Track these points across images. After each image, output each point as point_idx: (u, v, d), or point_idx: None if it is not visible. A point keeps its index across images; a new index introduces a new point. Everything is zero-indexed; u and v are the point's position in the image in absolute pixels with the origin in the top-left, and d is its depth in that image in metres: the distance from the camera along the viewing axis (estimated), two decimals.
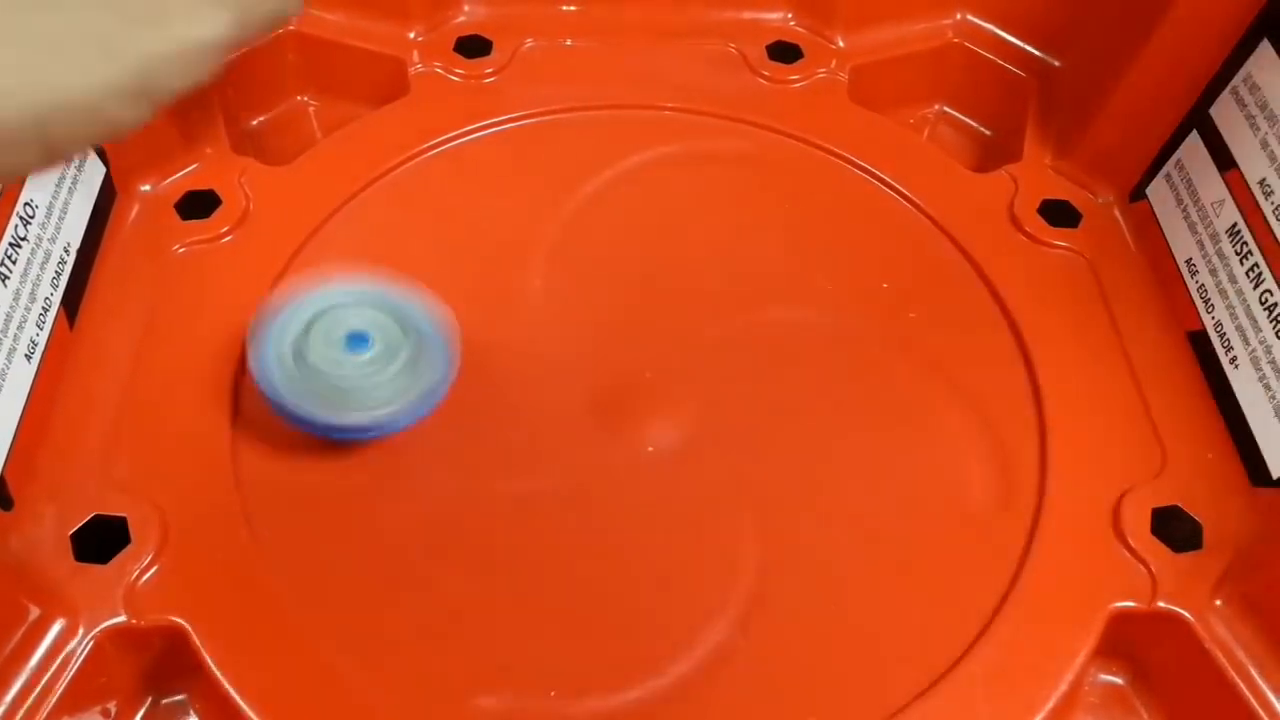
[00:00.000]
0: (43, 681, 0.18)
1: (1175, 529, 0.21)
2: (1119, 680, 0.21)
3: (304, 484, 0.21)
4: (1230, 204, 0.24)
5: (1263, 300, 0.23)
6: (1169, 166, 0.26)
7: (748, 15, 0.32)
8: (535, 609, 0.20)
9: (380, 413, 0.20)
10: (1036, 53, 0.31)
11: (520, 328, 0.25)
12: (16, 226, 0.22)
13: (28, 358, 0.21)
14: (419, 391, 0.21)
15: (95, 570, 0.19)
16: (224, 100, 0.28)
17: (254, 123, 0.30)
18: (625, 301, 0.25)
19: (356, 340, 0.21)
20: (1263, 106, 0.23)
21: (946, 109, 0.32)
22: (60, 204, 0.23)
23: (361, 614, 0.20)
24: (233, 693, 0.18)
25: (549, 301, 0.25)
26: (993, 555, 0.21)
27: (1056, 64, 0.30)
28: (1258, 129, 0.23)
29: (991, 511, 0.22)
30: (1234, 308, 0.23)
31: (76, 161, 0.24)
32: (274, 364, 0.20)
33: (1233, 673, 0.19)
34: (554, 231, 0.26)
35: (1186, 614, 0.20)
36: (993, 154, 0.31)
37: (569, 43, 0.31)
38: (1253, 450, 0.22)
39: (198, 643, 0.19)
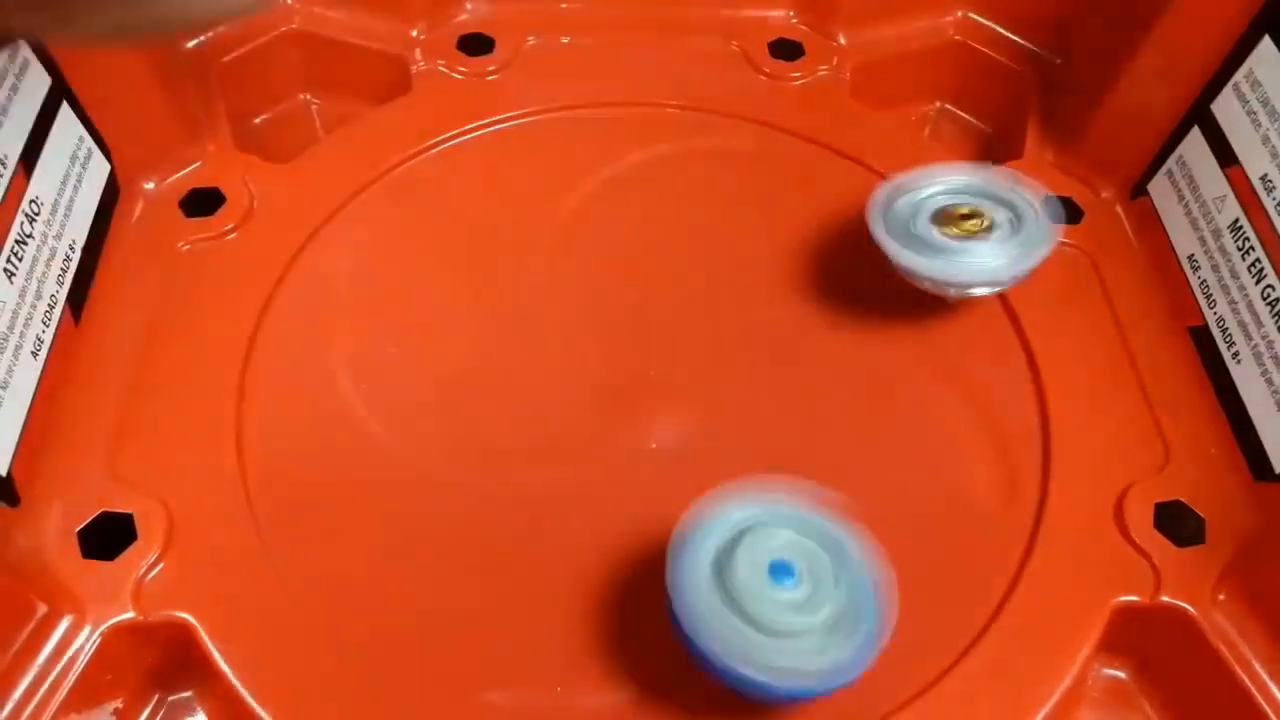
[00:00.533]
0: (50, 678, 0.18)
1: (1178, 524, 0.21)
2: (1122, 675, 0.21)
3: (310, 480, 0.22)
4: (1232, 200, 0.24)
5: (1265, 295, 0.23)
6: (1170, 163, 0.26)
7: (749, 13, 0.32)
8: (542, 605, 0.20)
9: (806, 670, 0.16)
10: (1038, 50, 0.31)
11: (522, 325, 0.25)
12: (22, 224, 0.22)
13: (34, 355, 0.21)
14: (850, 651, 0.16)
15: (102, 567, 0.19)
16: (227, 98, 0.28)
17: (257, 120, 0.30)
18: (629, 299, 0.25)
19: (780, 570, 0.17)
20: (1264, 102, 0.23)
21: (948, 106, 0.32)
22: (65, 201, 0.23)
23: (369, 610, 0.20)
24: (240, 689, 0.19)
25: (551, 299, 0.25)
26: (995, 551, 0.21)
27: (1058, 61, 0.30)
28: (1259, 125, 0.23)
29: (994, 507, 0.22)
30: (1236, 303, 0.23)
31: (80, 159, 0.24)
32: (697, 593, 0.16)
33: (1236, 666, 0.19)
34: (556, 229, 0.27)
35: (1190, 608, 0.20)
36: (994, 151, 0.31)
37: (571, 40, 0.31)
38: (1255, 445, 0.22)
39: (205, 639, 0.19)
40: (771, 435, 0.23)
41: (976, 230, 0.23)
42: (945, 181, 0.24)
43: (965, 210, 0.23)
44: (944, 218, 0.23)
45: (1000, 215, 0.23)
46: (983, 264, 0.22)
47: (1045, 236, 0.23)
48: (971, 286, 0.23)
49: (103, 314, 0.23)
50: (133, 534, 0.20)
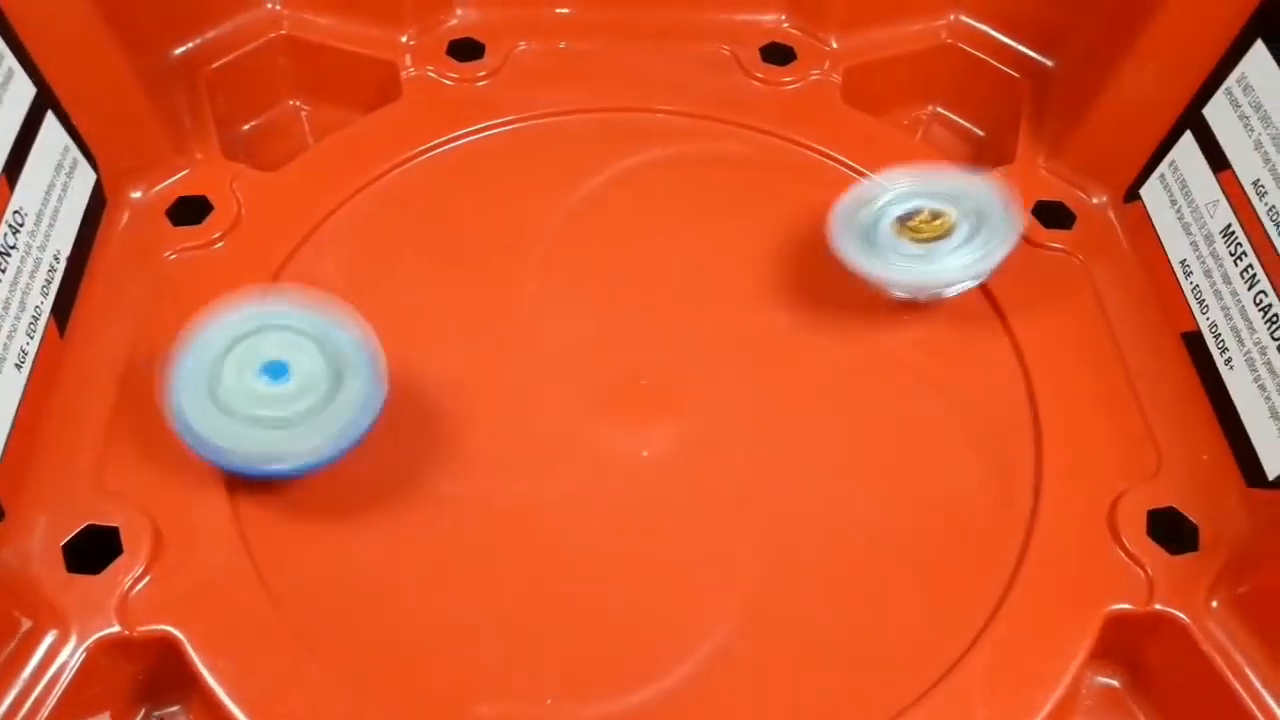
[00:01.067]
0: (35, 693, 0.18)
1: (1171, 531, 0.21)
2: (1115, 683, 0.21)
3: (297, 491, 0.21)
4: (1224, 205, 0.24)
5: (1257, 301, 0.23)
6: (1163, 167, 0.26)
7: (741, 17, 0.31)
8: (532, 615, 0.20)
9: (298, 448, 0.19)
10: (1030, 53, 0.31)
11: (515, 332, 0.25)
12: (5, 235, 0.21)
13: (18, 367, 0.21)
14: (338, 426, 0.19)
15: (87, 581, 0.19)
16: (215, 105, 0.28)
17: (245, 128, 0.30)
18: (620, 305, 0.25)
19: (274, 369, 0.19)
20: (1257, 107, 0.23)
21: (940, 110, 0.32)
22: (50, 211, 0.23)
23: (356, 622, 0.20)
24: (227, 702, 0.18)
25: (543, 306, 0.25)
26: (989, 558, 0.21)
27: (1050, 65, 0.30)
28: (1252, 130, 0.23)
29: (987, 514, 0.22)
30: (1229, 309, 0.23)
31: (65, 168, 0.24)
32: (188, 399, 0.19)
33: (1229, 674, 0.19)
34: (548, 235, 0.26)
35: (1183, 616, 0.20)
36: (986, 155, 0.31)
37: (562, 46, 0.31)
38: (1248, 451, 0.22)
39: (191, 652, 0.19)
40: (764, 442, 0.23)
41: (939, 233, 0.23)
42: (903, 187, 0.24)
43: (925, 214, 0.23)
44: (906, 223, 0.23)
45: (960, 214, 0.23)
46: (948, 265, 0.23)
47: (1008, 229, 0.23)
48: (941, 288, 0.24)
49: (88, 325, 0.23)
50: (118, 547, 0.20)
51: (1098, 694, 0.21)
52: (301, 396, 0.19)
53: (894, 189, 0.24)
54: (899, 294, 0.24)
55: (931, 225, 0.23)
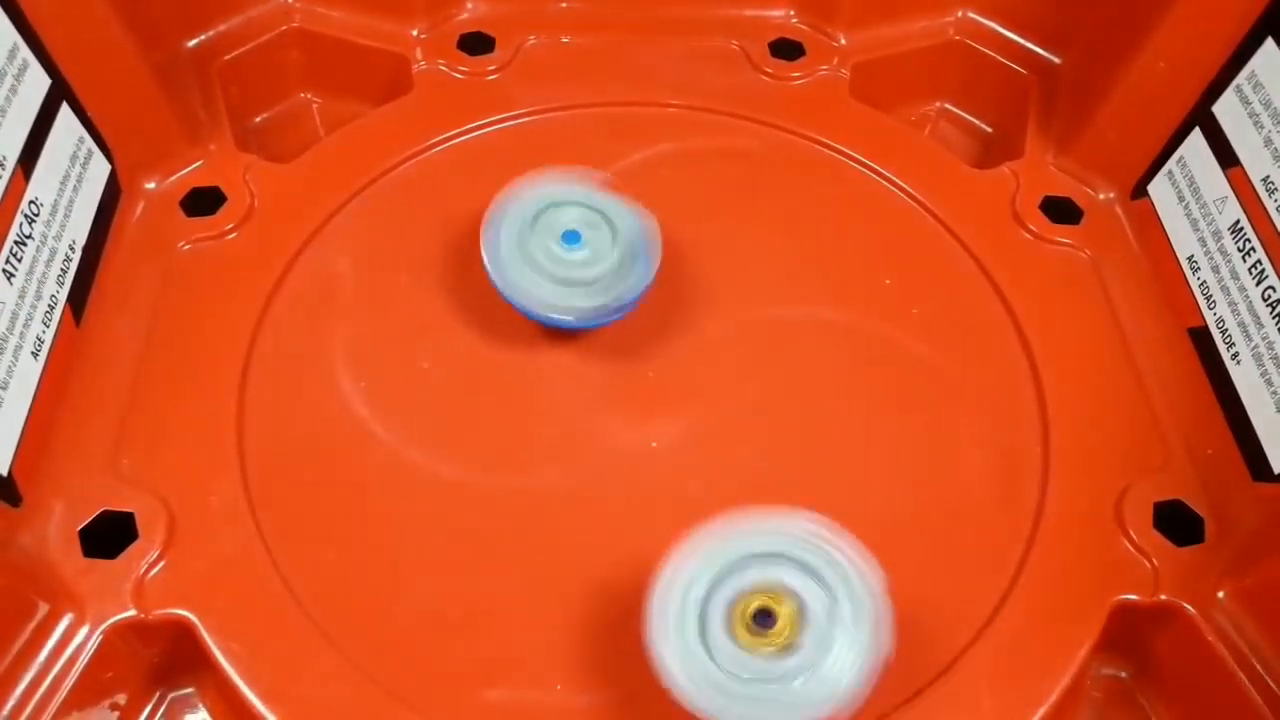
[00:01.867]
0: (51, 676, 0.19)
1: (1177, 523, 0.21)
2: (1122, 674, 0.21)
3: (310, 478, 0.22)
4: (1233, 201, 0.24)
5: (1265, 297, 0.23)
6: (1171, 164, 0.26)
7: (750, 12, 0.32)
8: (541, 602, 0.20)
9: (587, 306, 0.22)
10: (1038, 50, 0.31)
11: (522, 325, 0.25)
12: (21, 225, 0.22)
13: (34, 355, 0.21)
14: (622, 290, 0.22)
15: (103, 565, 0.20)
16: (227, 97, 0.28)
17: (257, 120, 0.30)
18: None
19: (571, 237, 0.22)
20: (1266, 104, 0.23)
21: (948, 106, 0.32)
22: (65, 202, 0.23)
23: (368, 607, 0.20)
24: (241, 685, 0.19)
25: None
26: (996, 550, 0.21)
27: (1058, 61, 0.30)
28: (1261, 127, 0.23)
29: (994, 506, 0.22)
30: (1236, 304, 0.23)
31: (80, 159, 0.24)
32: (506, 256, 0.22)
33: (1235, 665, 0.19)
34: None
35: (1189, 607, 0.20)
36: (994, 151, 0.31)
37: (572, 40, 0.31)
38: (1254, 445, 0.22)
39: (205, 636, 0.19)
40: (770, 435, 0.23)
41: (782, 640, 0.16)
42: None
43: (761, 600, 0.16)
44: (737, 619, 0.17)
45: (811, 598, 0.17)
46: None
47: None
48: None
49: (103, 314, 0.23)
50: (134, 533, 0.20)
51: (1105, 685, 0.21)
52: (593, 263, 0.22)
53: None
54: None
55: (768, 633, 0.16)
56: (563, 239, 0.22)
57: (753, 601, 0.17)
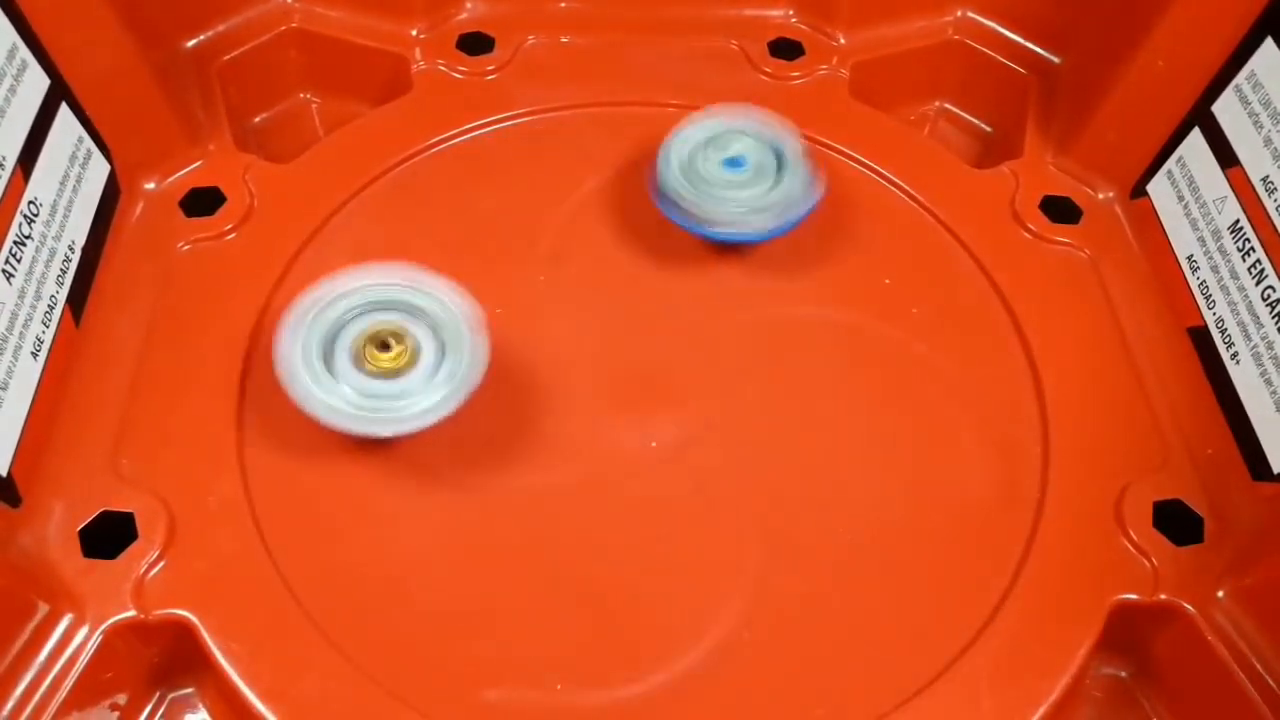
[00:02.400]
0: (51, 676, 0.19)
1: (1177, 523, 0.21)
2: (1122, 674, 0.21)
3: (310, 478, 0.22)
4: (1232, 201, 0.24)
5: (1264, 296, 0.23)
6: (1170, 163, 0.26)
7: (749, 12, 0.32)
8: (541, 602, 0.20)
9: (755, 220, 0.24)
10: (1037, 49, 0.31)
11: (525, 324, 0.25)
12: (20, 225, 0.22)
13: (34, 355, 0.21)
14: (783, 205, 0.25)
15: (103, 566, 0.20)
16: (227, 97, 0.28)
17: (257, 120, 0.30)
18: (628, 298, 0.25)
19: (733, 163, 0.25)
20: (1266, 104, 0.23)
21: (947, 106, 0.32)
22: (64, 202, 0.23)
23: (368, 607, 0.20)
24: (240, 685, 0.19)
25: (552, 298, 0.25)
26: (996, 549, 0.21)
27: (1057, 61, 0.30)
28: (1261, 126, 0.23)
29: (994, 505, 0.22)
30: (1235, 304, 0.23)
31: (80, 159, 0.24)
32: (675, 172, 0.25)
33: (1234, 664, 0.19)
34: (557, 228, 0.27)
35: (1188, 606, 0.20)
36: (994, 150, 0.31)
37: (571, 40, 0.31)
38: (1253, 445, 0.22)
39: (205, 636, 0.19)
40: (772, 433, 0.23)
41: (399, 364, 0.20)
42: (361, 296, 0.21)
43: (389, 339, 0.21)
44: (366, 348, 0.21)
45: (424, 339, 0.21)
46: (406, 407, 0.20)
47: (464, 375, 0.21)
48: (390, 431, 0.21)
49: (103, 314, 0.23)
50: (133, 533, 0.20)
51: (1104, 684, 0.21)
52: (754, 183, 0.25)
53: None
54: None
55: (389, 354, 0.20)
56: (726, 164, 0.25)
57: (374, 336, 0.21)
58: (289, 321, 0.21)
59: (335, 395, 0.20)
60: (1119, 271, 0.26)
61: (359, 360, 0.21)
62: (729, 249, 0.26)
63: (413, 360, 0.21)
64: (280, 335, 0.21)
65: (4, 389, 0.20)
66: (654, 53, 0.31)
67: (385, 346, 0.21)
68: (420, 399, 0.20)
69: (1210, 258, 0.24)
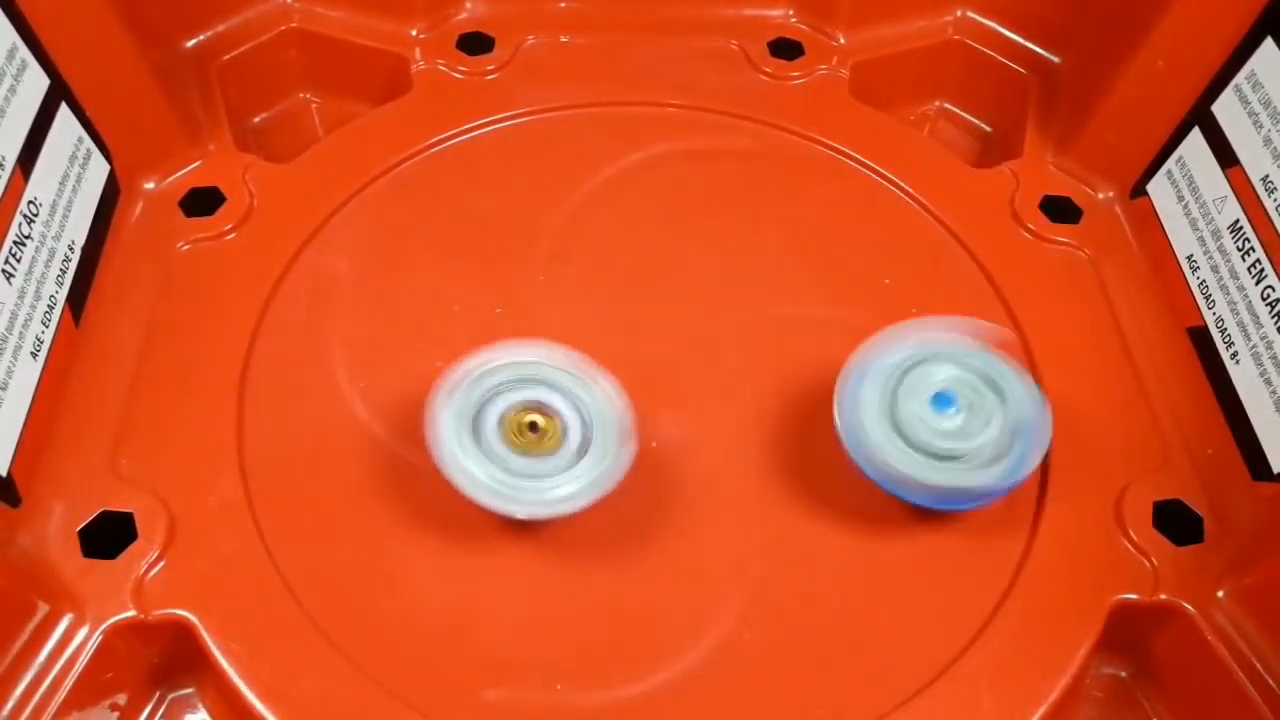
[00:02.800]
0: (51, 676, 0.18)
1: (1177, 523, 0.21)
2: (1122, 674, 0.21)
3: (310, 478, 0.22)
4: (1232, 200, 0.24)
5: (1264, 296, 0.23)
6: (1170, 163, 0.26)
7: (749, 12, 0.32)
8: (542, 602, 0.20)
9: (978, 478, 0.19)
10: (1037, 49, 0.31)
11: (522, 325, 0.25)
12: (20, 225, 0.22)
13: (34, 355, 0.21)
14: (1018, 457, 0.19)
15: (103, 566, 0.20)
16: (227, 97, 0.28)
17: (256, 120, 0.30)
18: (627, 298, 0.25)
19: (943, 400, 0.20)
20: (1266, 104, 0.23)
21: (947, 105, 0.32)
22: (64, 202, 0.23)
23: (368, 607, 0.20)
24: (240, 685, 0.19)
25: (552, 298, 0.25)
26: (996, 548, 0.21)
27: (1057, 60, 0.30)
28: (1261, 126, 0.23)
29: (993, 505, 0.22)
30: (1235, 304, 0.23)
31: (80, 159, 0.24)
32: (871, 424, 0.19)
33: (1234, 664, 0.19)
34: (556, 228, 0.27)
35: (1189, 606, 0.20)
36: (993, 150, 0.31)
37: (571, 40, 0.31)
38: (1254, 445, 0.22)
39: (205, 636, 0.19)
40: (770, 435, 0.23)
41: (542, 445, 0.20)
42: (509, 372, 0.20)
43: (537, 420, 0.20)
44: (511, 421, 0.20)
45: (571, 418, 0.20)
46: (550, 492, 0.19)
47: (618, 459, 0.20)
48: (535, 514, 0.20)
49: (103, 314, 0.23)
50: (133, 533, 0.20)
51: (1104, 684, 0.21)
52: (974, 431, 0.20)
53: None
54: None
55: (535, 435, 0.19)
56: (933, 402, 0.20)
57: (524, 416, 0.20)
58: (444, 387, 0.20)
59: (480, 468, 0.19)
60: (1119, 271, 0.26)
61: (506, 434, 0.20)
62: (729, 248, 0.27)
63: (557, 443, 0.20)
64: (434, 400, 0.20)
65: (4, 389, 0.20)
66: (654, 53, 0.31)
67: (534, 427, 0.20)
68: (560, 485, 0.19)
69: (1210, 257, 0.24)
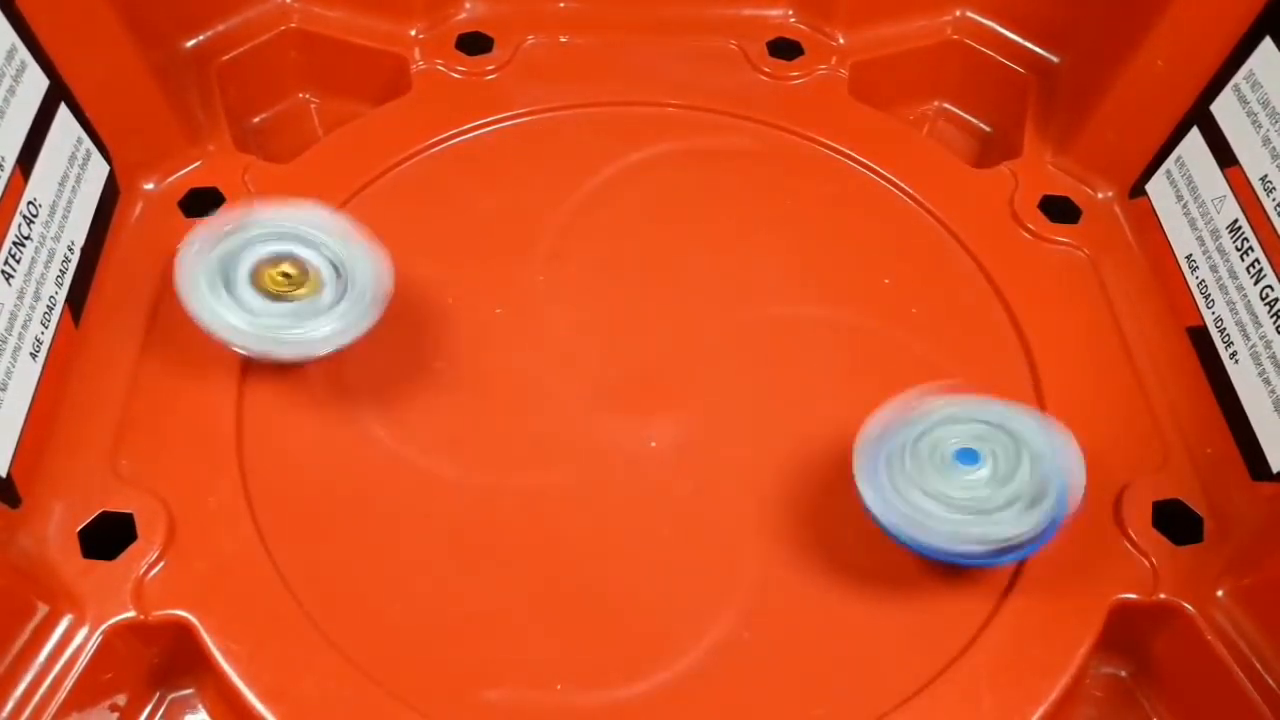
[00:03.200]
0: (51, 677, 0.18)
1: (1176, 522, 0.21)
2: (1122, 673, 0.21)
3: (310, 479, 0.22)
4: (1231, 200, 0.24)
5: (1263, 296, 0.23)
6: (1169, 163, 0.26)
7: (748, 12, 0.32)
8: (541, 603, 0.20)
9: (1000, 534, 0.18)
10: (1036, 49, 0.31)
11: (523, 325, 0.25)
12: (20, 225, 0.22)
13: (33, 356, 0.21)
14: (1040, 516, 0.19)
15: (102, 566, 0.20)
16: (226, 98, 0.28)
17: (256, 120, 0.30)
18: (627, 298, 0.25)
19: (966, 456, 0.19)
20: (1264, 104, 0.23)
21: (946, 105, 0.32)
22: (64, 203, 0.23)
23: (368, 608, 0.20)
24: (240, 685, 0.19)
25: (550, 298, 0.25)
26: None
27: (1056, 60, 0.30)
28: (1259, 126, 0.23)
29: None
30: (1234, 303, 0.23)
31: (79, 160, 0.24)
32: (882, 488, 0.19)
33: (1234, 664, 0.19)
34: (556, 228, 0.27)
35: (1188, 606, 0.20)
36: (993, 150, 0.31)
37: (570, 40, 0.31)
38: (1253, 445, 0.22)
39: (205, 637, 0.19)
40: (770, 433, 0.23)
41: (298, 290, 0.21)
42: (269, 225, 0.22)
43: (285, 266, 0.21)
44: (262, 273, 0.21)
45: (323, 269, 0.21)
46: (305, 335, 0.21)
47: (369, 304, 0.21)
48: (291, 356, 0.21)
49: (102, 315, 0.23)
50: (133, 533, 0.20)
51: (1104, 683, 0.21)
52: (999, 483, 0.19)
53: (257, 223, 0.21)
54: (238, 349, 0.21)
55: (288, 282, 0.21)
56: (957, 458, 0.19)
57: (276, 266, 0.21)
58: (191, 243, 0.21)
59: (235, 314, 0.20)
60: (1118, 271, 0.26)
61: (259, 284, 0.21)
62: (729, 248, 0.27)
63: (314, 289, 0.21)
64: (182, 255, 0.21)
65: (3, 390, 0.20)
66: (654, 53, 0.31)
67: (287, 276, 0.21)
68: (319, 326, 0.21)
69: (1209, 257, 0.25)
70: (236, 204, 0.22)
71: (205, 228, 0.21)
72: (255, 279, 0.21)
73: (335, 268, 0.21)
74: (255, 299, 0.21)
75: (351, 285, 0.21)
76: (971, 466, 0.19)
